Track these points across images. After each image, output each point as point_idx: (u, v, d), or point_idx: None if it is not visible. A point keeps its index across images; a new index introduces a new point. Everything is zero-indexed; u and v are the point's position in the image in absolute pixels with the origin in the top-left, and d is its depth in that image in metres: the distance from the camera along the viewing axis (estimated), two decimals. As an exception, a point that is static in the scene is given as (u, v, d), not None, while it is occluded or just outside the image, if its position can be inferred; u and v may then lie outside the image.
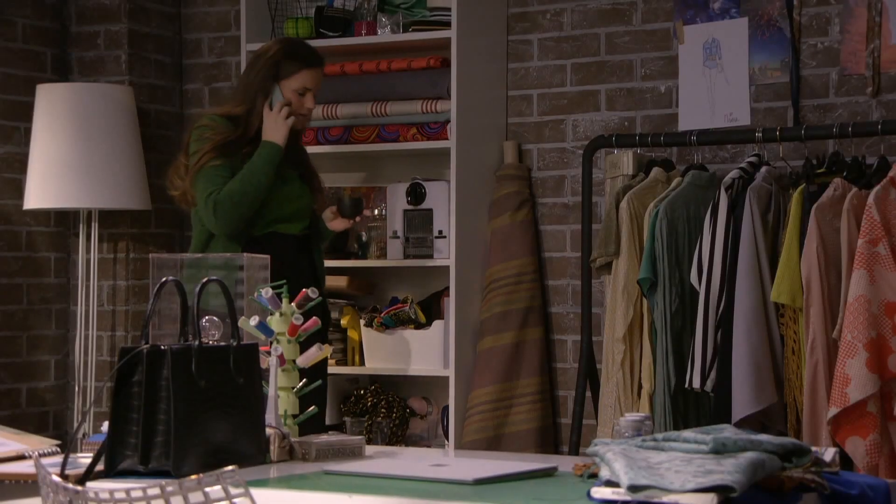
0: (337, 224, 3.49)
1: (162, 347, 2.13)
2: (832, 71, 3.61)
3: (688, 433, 1.96)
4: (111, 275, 4.26)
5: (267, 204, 3.32)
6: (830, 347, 3.22)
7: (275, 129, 3.33)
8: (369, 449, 2.37)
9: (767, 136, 3.46)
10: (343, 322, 3.92)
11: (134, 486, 1.63)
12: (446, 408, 3.85)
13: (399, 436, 3.88)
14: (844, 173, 3.33)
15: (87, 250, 4.15)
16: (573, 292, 3.91)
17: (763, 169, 3.43)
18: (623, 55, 3.86)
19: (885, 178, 3.21)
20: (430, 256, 3.86)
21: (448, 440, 3.80)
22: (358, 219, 3.50)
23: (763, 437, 1.94)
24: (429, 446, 3.85)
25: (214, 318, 2.29)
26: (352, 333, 3.92)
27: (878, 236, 3.15)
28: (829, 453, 2.01)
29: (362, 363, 3.92)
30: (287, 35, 4.03)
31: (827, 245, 3.24)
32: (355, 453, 2.28)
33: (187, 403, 2.10)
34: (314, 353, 2.46)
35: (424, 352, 3.81)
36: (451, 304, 3.79)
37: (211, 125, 3.35)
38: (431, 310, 3.91)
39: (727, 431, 1.96)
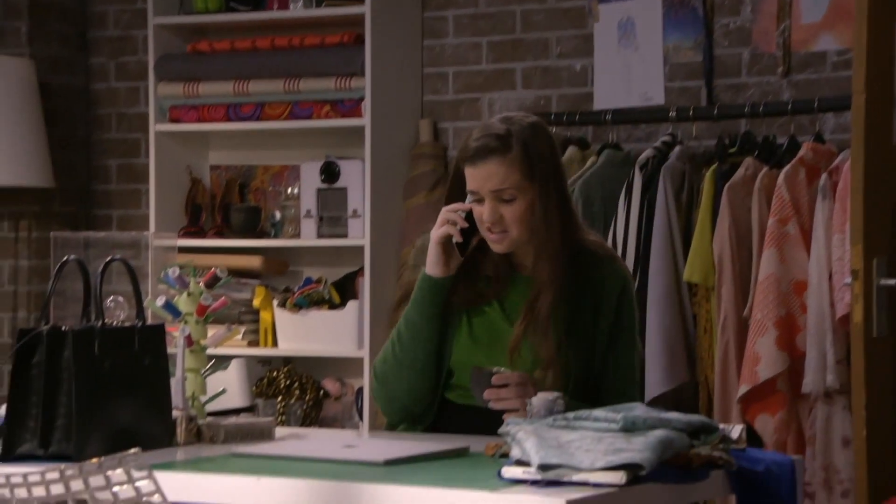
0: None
1: (63, 328, 2.07)
2: (744, 50, 3.64)
3: (598, 412, 1.96)
4: (12, 254, 4.14)
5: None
6: (741, 326, 3.25)
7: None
8: (280, 431, 2.33)
9: (681, 116, 3.48)
10: (255, 303, 3.86)
11: (32, 470, 1.58)
12: (361, 389, 3.81)
13: (313, 418, 3.84)
14: (756, 153, 3.37)
15: (-13, 229, 4.03)
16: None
17: (677, 148, 3.45)
18: (539, 33, 3.85)
19: (795, 159, 3.25)
20: (345, 236, 3.82)
21: (362, 422, 3.77)
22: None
23: (672, 415, 1.95)
24: (343, 428, 3.81)
25: (120, 298, 2.24)
26: (264, 314, 3.87)
27: (788, 215, 3.19)
28: (735, 430, 2.03)
29: (275, 344, 3.86)
30: (197, 7, 3.93)
31: (738, 224, 3.27)
32: (265, 435, 2.24)
33: (90, 385, 2.05)
34: (223, 334, 2.41)
35: (338, 333, 3.77)
36: (365, 284, 3.75)
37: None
38: (346, 290, 3.87)
39: (637, 410, 1.96)
